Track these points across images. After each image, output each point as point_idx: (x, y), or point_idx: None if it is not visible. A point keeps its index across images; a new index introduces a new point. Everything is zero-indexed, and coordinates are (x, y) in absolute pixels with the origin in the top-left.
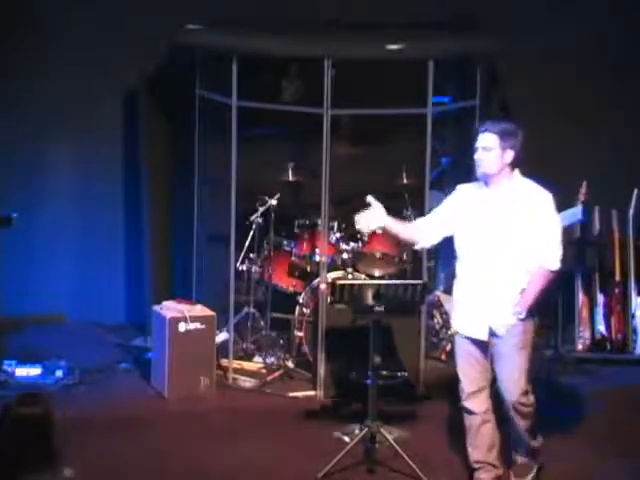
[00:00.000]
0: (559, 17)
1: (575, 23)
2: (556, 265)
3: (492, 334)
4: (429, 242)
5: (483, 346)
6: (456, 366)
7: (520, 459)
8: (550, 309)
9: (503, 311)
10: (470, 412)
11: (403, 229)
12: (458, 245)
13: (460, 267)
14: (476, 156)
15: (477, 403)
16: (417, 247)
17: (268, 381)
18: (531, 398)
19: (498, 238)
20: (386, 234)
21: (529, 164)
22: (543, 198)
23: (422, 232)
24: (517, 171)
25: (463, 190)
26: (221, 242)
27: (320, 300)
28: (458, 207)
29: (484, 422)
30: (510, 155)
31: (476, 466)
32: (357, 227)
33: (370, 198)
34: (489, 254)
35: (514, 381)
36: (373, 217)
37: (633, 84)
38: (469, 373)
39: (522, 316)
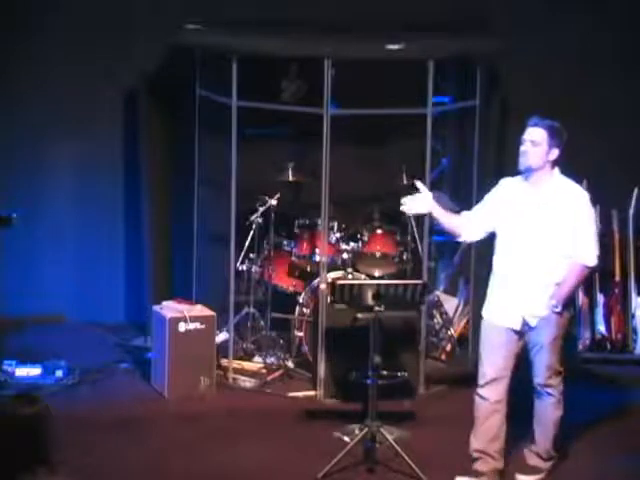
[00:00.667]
0: (559, 17)
1: (575, 23)
2: (593, 261)
3: (525, 324)
4: (473, 237)
5: (514, 336)
6: (480, 352)
7: (533, 461)
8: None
9: (537, 303)
10: (483, 399)
11: (448, 220)
12: (500, 237)
13: (499, 258)
14: (523, 148)
15: (493, 391)
16: (461, 239)
17: (268, 381)
18: (560, 382)
19: (538, 233)
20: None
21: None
22: (582, 197)
23: (467, 226)
24: (557, 169)
25: (506, 184)
26: (221, 242)
27: (320, 300)
28: (502, 201)
29: (494, 412)
30: (555, 153)
31: (475, 455)
32: (403, 209)
33: (419, 183)
34: (528, 247)
35: (544, 365)
36: (421, 202)
37: (633, 84)
38: (493, 360)
39: (558, 309)
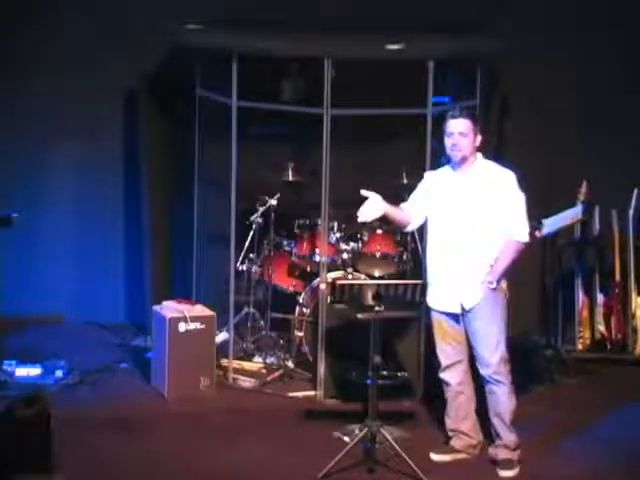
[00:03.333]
0: (559, 17)
1: (575, 23)
2: (525, 237)
3: (464, 309)
4: (417, 224)
5: (457, 321)
6: (433, 341)
7: (501, 454)
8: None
9: (473, 286)
10: (446, 383)
11: (399, 214)
12: (431, 224)
13: (432, 245)
14: (453, 141)
15: (452, 375)
16: (409, 229)
17: (268, 381)
18: (509, 369)
19: (469, 216)
20: (387, 222)
21: (530, 164)
22: (508, 177)
23: (411, 215)
24: (479, 154)
25: (432, 175)
26: (221, 242)
27: (320, 300)
28: (431, 188)
29: (458, 393)
30: (479, 139)
31: (450, 434)
32: (360, 220)
33: (364, 192)
34: (461, 232)
35: (489, 355)
36: (372, 207)
37: (633, 84)
38: (444, 347)
39: (493, 285)
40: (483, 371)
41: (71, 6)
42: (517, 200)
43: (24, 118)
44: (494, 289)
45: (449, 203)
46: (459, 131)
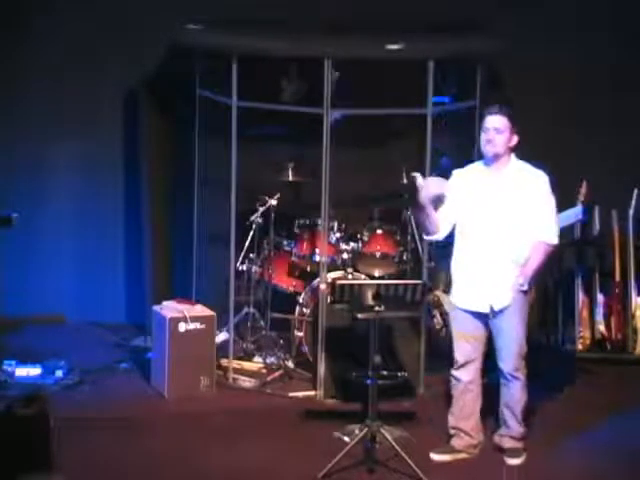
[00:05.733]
0: (559, 17)
1: (575, 23)
2: (555, 240)
3: (492, 309)
4: (445, 232)
5: (481, 320)
6: (451, 337)
7: (507, 443)
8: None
9: (504, 287)
10: (457, 380)
11: (435, 216)
12: (461, 224)
13: (461, 245)
14: (487, 137)
15: (465, 373)
16: (435, 237)
17: (268, 381)
18: (525, 365)
19: (502, 216)
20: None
21: (530, 164)
22: (541, 178)
23: (440, 222)
24: (513, 154)
25: (461, 174)
26: (221, 242)
27: (320, 300)
28: (460, 190)
29: (467, 391)
30: (515, 138)
31: (452, 432)
32: (419, 181)
33: (418, 176)
34: (492, 232)
35: (512, 353)
36: (437, 185)
37: (633, 84)
38: (463, 346)
39: (525, 288)
40: (503, 367)
41: (71, 6)
42: (549, 202)
43: (24, 118)
44: (524, 291)
45: (481, 202)
46: (495, 127)
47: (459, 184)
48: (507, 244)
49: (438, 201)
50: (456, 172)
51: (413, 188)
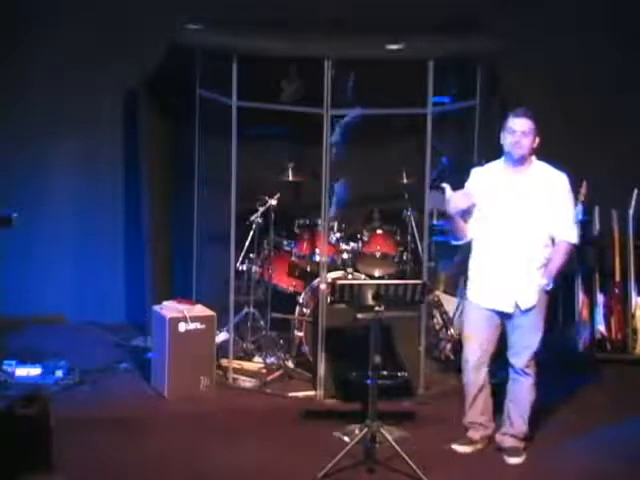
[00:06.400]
0: (559, 17)
1: (575, 23)
2: (575, 239)
3: (519, 307)
4: (471, 234)
5: (495, 320)
6: (463, 334)
7: (508, 442)
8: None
9: (529, 285)
10: (469, 380)
11: (462, 221)
12: (483, 224)
13: (483, 244)
14: (515, 139)
15: (477, 373)
16: (465, 240)
17: (268, 381)
18: (535, 361)
19: (523, 216)
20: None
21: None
22: (561, 178)
23: (468, 229)
24: (534, 155)
25: (480, 172)
26: (221, 242)
27: (320, 300)
28: (481, 189)
29: (480, 390)
30: (537, 140)
31: (469, 426)
32: (448, 193)
33: (445, 185)
34: (515, 231)
35: (527, 349)
36: (464, 199)
37: (633, 84)
38: (473, 347)
39: (550, 287)
40: (516, 363)
41: (71, 6)
42: (569, 202)
43: (24, 118)
44: (547, 291)
45: (504, 202)
46: (522, 130)
47: (480, 183)
48: (530, 244)
49: (466, 213)
50: (475, 171)
51: (442, 199)
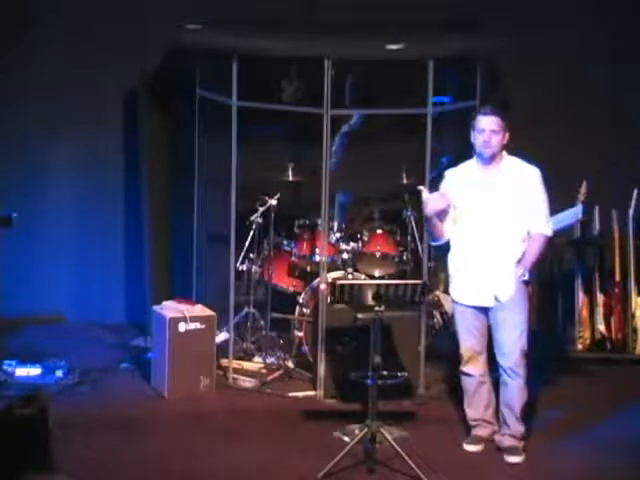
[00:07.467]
0: (559, 17)
1: (575, 23)
2: (549, 231)
3: (498, 301)
4: (448, 237)
5: (483, 314)
6: (456, 334)
7: (507, 441)
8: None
9: (507, 278)
10: (468, 375)
11: (441, 222)
12: (460, 222)
13: (459, 242)
14: (484, 138)
15: (474, 367)
16: (442, 242)
17: (268, 381)
18: (525, 362)
19: (499, 212)
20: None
21: (530, 164)
22: (533, 172)
23: (446, 229)
24: (504, 150)
25: (454, 174)
26: (221, 242)
27: (320, 300)
28: (457, 189)
29: (481, 384)
30: (507, 136)
31: (473, 424)
32: (424, 195)
33: (422, 189)
34: (491, 227)
35: (514, 347)
36: (441, 198)
37: (633, 84)
38: (468, 340)
39: (526, 278)
40: (503, 362)
41: (71, 6)
42: (541, 195)
43: (24, 118)
44: (525, 282)
45: (478, 199)
46: (491, 129)
47: (454, 184)
48: (505, 238)
49: (442, 214)
50: (448, 173)
51: (419, 201)
